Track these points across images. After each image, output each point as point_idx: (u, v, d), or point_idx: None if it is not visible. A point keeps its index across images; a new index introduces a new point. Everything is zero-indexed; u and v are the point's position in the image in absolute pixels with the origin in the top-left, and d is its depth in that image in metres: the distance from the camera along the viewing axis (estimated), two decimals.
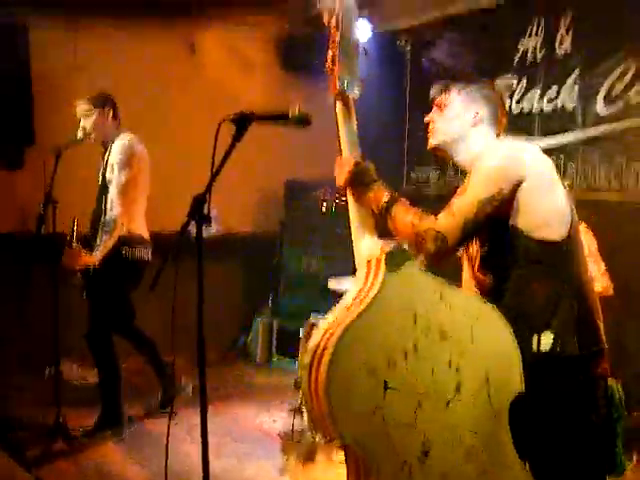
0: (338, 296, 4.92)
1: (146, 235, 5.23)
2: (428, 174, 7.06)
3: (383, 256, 2.44)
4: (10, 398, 5.56)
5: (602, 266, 4.94)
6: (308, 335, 5.02)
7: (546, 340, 2.56)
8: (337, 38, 2.77)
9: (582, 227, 4.91)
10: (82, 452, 4.86)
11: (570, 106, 5.82)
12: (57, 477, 4.35)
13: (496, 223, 2.61)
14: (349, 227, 2.76)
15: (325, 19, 2.85)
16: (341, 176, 2.77)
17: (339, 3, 2.80)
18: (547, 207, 2.61)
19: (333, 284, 5.14)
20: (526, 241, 2.59)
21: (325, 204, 6.75)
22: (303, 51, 7.14)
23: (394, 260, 2.42)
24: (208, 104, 6.93)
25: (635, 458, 4.71)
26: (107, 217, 4.98)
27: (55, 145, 4.87)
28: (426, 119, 2.91)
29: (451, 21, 6.80)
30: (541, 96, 6.04)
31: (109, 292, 5.06)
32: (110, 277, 4.96)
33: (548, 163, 2.70)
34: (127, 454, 4.91)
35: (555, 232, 2.61)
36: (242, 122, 2.57)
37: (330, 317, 2.44)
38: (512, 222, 2.60)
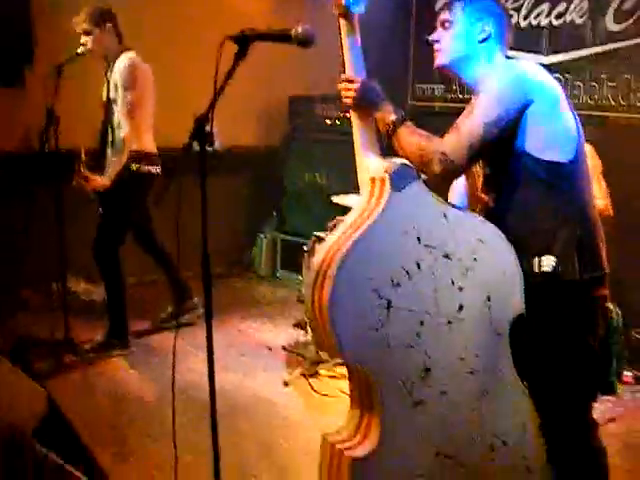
0: (342, 211, 5.01)
1: (154, 150, 5.24)
2: (433, 88, 6.97)
3: (387, 176, 2.43)
4: (18, 314, 5.61)
5: (603, 186, 4.96)
6: (312, 250, 5.05)
7: (547, 262, 2.57)
8: None
9: (588, 147, 4.93)
10: (90, 365, 4.96)
11: (579, 22, 5.73)
12: (66, 390, 4.42)
13: (502, 144, 2.59)
14: (352, 142, 2.74)
15: None
16: (347, 94, 2.72)
17: None
18: (554, 129, 2.59)
19: (337, 199, 5.12)
20: (531, 162, 2.57)
21: (329, 120, 6.71)
22: None
23: (399, 180, 2.42)
24: (209, 19, 6.84)
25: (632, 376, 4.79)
26: (115, 138, 5.02)
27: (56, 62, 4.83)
28: (431, 38, 2.84)
29: None
30: (550, 11, 5.93)
31: (119, 205, 5.10)
32: (120, 191, 4.99)
33: (556, 85, 2.66)
34: (135, 368, 5.00)
35: (561, 154, 2.59)
36: (244, 41, 2.52)
37: (334, 234, 2.46)
38: (518, 143, 2.58)
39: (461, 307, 2.47)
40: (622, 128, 5.50)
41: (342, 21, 2.73)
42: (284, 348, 5.28)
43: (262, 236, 7.35)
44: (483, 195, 2.78)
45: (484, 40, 2.76)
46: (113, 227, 5.17)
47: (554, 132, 2.59)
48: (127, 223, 5.27)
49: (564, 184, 2.61)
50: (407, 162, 2.54)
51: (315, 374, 4.82)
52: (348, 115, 2.82)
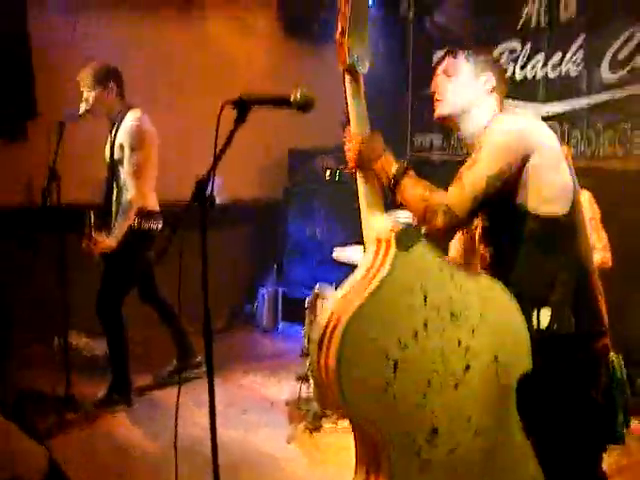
0: (342, 265, 5.02)
1: (156, 208, 5.28)
2: (432, 139, 7.03)
3: (393, 235, 2.44)
4: (20, 369, 5.56)
5: (603, 237, 4.96)
6: (313, 304, 5.05)
7: (544, 316, 2.57)
8: (347, 10, 2.68)
9: (587, 196, 4.96)
10: (93, 422, 4.93)
11: (575, 72, 5.79)
12: (68, 448, 4.39)
13: (500, 198, 2.61)
14: (352, 195, 2.76)
15: None
16: (350, 154, 2.74)
17: None
18: (552, 183, 2.61)
19: (338, 253, 5.14)
20: (529, 216, 2.59)
21: (329, 172, 6.75)
22: (305, 16, 7.12)
23: (405, 240, 2.43)
24: (209, 73, 6.95)
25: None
26: (122, 199, 5.04)
27: (58, 119, 4.86)
28: (433, 87, 2.86)
29: None
30: (545, 62, 6.01)
31: (122, 262, 5.11)
32: (123, 248, 5.01)
33: (554, 138, 2.68)
34: (137, 424, 4.97)
35: (558, 207, 2.60)
36: (243, 106, 2.54)
37: (339, 293, 2.46)
38: (517, 197, 2.60)
39: (468, 367, 2.46)
40: (620, 177, 5.52)
41: (347, 79, 2.75)
42: (287, 403, 5.25)
43: (263, 289, 7.34)
44: (481, 249, 2.79)
45: (487, 91, 2.78)
46: (116, 284, 5.18)
47: (552, 186, 2.60)
48: (130, 280, 5.29)
49: (560, 237, 2.62)
50: (412, 222, 2.55)
51: (319, 428, 4.79)
52: (348, 170, 2.81)
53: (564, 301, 2.58)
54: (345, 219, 6.61)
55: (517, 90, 6.21)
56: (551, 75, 5.98)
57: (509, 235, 2.65)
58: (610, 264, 4.92)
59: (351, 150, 2.74)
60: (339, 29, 2.72)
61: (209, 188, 2.59)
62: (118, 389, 5.18)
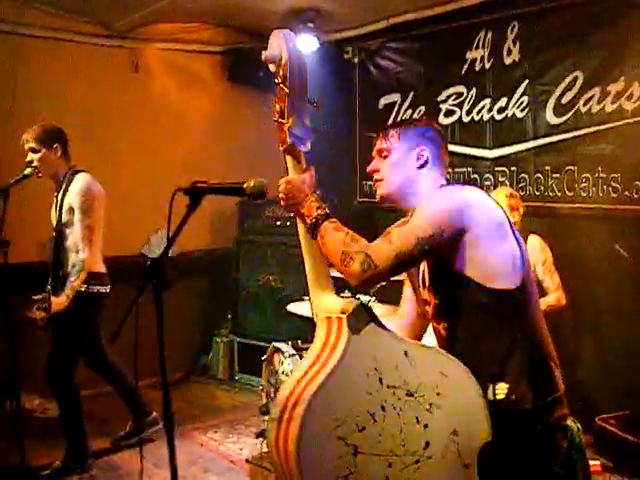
0: (296, 315, 5.01)
1: (103, 270, 5.22)
2: None
3: (344, 317, 2.42)
4: None
5: (556, 278, 5.02)
6: (270, 359, 5.02)
7: (500, 390, 2.54)
8: (285, 92, 2.64)
9: (538, 240, 5.02)
10: None
11: (521, 115, 5.86)
12: None
13: (446, 271, 2.58)
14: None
15: (271, 69, 2.74)
16: (280, 195, 2.70)
17: (286, 53, 2.66)
18: (497, 257, 2.56)
19: (293, 308, 5.14)
20: (477, 291, 2.53)
21: (279, 222, 6.76)
22: (250, 64, 7.12)
23: (356, 321, 2.40)
24: (154, 123, 6.96)
25: (599, 464, 4.78)
26: (73, 260, 4.99)
27: (2, 183, 4.78)
28: (369, 169, 2.84)
29: (398, 30, 6.79)
30: (492, 106, 6.07)
31: (71, 328, 5.02)
32: (72, 313, 4.93)
33: (496, 212, 2.62)
34: None
35: (507, 281, 2.56)
36: (196, 194, 2.52)
37: (296, 373, 2.43)
38: (459, 271, 2.55)
39: (427, 444, 2.42)
40: (568, 218, 5.59)
41: (288, 158, 2.72)
42: (247, 461, 5.18)
43: (218, 339, 7.29)
44: (434, 323, 2.76)
45: (422, 166, 2.75)
46: (67, 351, 5.08)
47: (497, 260, 2.56)
48: (81, 345, 5.18)
49: (512, 310, 2.57)
50: (363, 302, 2.52)
51: None
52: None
53: (520, 374, 2.55)
54: (296, 268, 6.60)
55: (465, 134, 6.27)
56: (497, 118, 6.04)
57: (461, 310, 2.61)
58: (564, 302, 4.99)
59: (280, 191, 2.70)
60: (277, 110, 2.68)
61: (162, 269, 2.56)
62: (74, 457, 5.05)
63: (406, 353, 2.44)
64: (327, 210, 2.64)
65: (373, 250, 2.48)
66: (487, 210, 2.60)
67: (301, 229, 2.71)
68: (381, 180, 2.80)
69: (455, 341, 2.64)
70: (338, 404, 2.31)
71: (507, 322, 2.57)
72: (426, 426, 2.43)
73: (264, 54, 2.71)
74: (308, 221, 2.63)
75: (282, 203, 2.71)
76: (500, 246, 2.58)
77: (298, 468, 2.25)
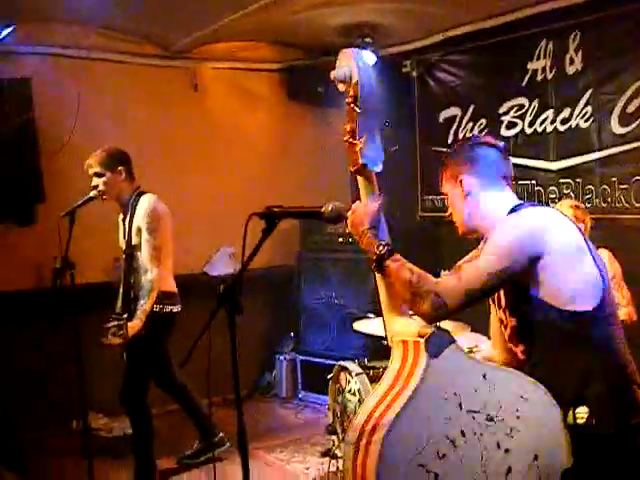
0: (361, 333, 4.97)
1: (174, 289, 5.27)
2: (443, 199, 7.00)
3: (422, 341, 2.38)
4: (39, 452, 5.56)
5: (626, 293, 4.90)
6: (337, 378, 4.98)
7: (581, 414, 2.47)
8: (356, 112, 2.62)
9: (606, 254, 4.90)
10: None
11: (585, 126, 5.75)
12: None
13: (522, 294, 2.54)
14: (365, 260, 2.71)
15: (340, 89, 2.72)
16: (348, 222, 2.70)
17: (356, 72, 2.64)
18: (574, 280, 2.51)
19: (359, 326, 5.11)
20: (554, 313, 2.49)
21: (340, 237, 6.73)
22: (308, 81, 7.14)
23: (435, 345, 2.36)
24: (215, 141, 7.02)
25: None
26: (142, 282, 5.00)
27: (65, 203, 4.85)
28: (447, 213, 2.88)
29: (456, 43, 6.75)
30: (554, 117, 5.97)
31: (145, 348, 5.04)
32: (144, 334, 4.93)
33: (572, 233, 2.58)
34: None
35: (585, 303, 2.50)
36: (271, 218, 2.51)
37: (373, 398, 2.42)
38: (535, 294, 2.50)
39: (509, 470, 2.37)
40: (637, 230, 5.46)
41: (360, 179, 2.71)
42: None
43: (281, 357, 7.28)
44: (512, 346, 2.71)
45: (469, 194, 2.72)
46: (141, 372, 5.11)
47: (573, 283, 2.51)
48: (155, 366, 5.21)
49: (591, 332, 2.51)
50: (441, 326, 2.48)
51: None
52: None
53: (601, 397, 2.48)
54: (359, 285, 6.58)
55: (528, 146, 6.18)
56: (561, 129, 5.94)
57: (539, 332, 2.56)
58: (635, 318, 4.86)
59: (348, 219, 2.69)
60: (348, 130, 2.66)
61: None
62: (143, 476, 5.08)
63: (485, 376, 2.41)
64: (388, 246, 2.61)
65: (443, 288, 2.47)
66: (562, 232, 2.56)
67: None
68: (454, 221, 2.82)
69: (534, 364, 2.59)
70: (417, 430, 2.29)
71: (586, 344, 2.52)
72: (507, 451, 2.39)
73: (333, 74, 2.69)
74: (371, 256, 2.62)
75: (349, 228, 2.71)
76: (577, 268, 2.54)
77: None
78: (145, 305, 4.93)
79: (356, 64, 2.65)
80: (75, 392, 4.78)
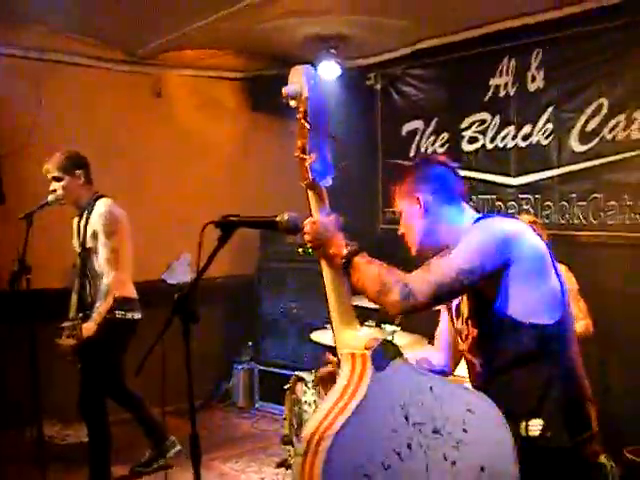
0: (318, 343, 4.97)
1: (134, 295, 5.24)
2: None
3: (369, 354, 2.38)
4: None
5: (583, 306, 4.95)
6: (293, 388, 4.98)
7: (534, 426, 2.49)
8: (306, 128, 2.63)
9: (563, 269, 4.94)
10: None
11: (545, 143, 5.82)
12: None
13: (485, 305, 2.55)
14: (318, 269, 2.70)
15: (292, 104, 2.72)
16: (306, 236, 2.68)
17: (306, 89, 2.65)
18: (539, 293, 2.54)
19: (316, 336, 5.10)
20: (515, 326, 2.50)
21: (301, 249, 6.72)
22: (272, 91, 7.11)
23: (381, 358, 2.36)
24: (177, 149, 6.99)
25: None
26: (99, 286, 4.97)
27: (24, 206, 4.82)
28: (399, 233, 2.87)
29: (420, 57, 6.79)
30: (516, 133, 6.03)
31: (102, 356, 5.01)
32: (103, 341, 4.90)
33: (540, 246, 2.60)
34: None
35: (548, 316, 2.53)
36: (227, 227, 2.50)
37: (321, 408, 2.40)
38: (501, 306, 2.52)
39: None
40: (593, 246, 5.53)
41: (310, 193, 2.70)
42: None
43: (239, 366, 7.25)
44: (470, 357, 2.72)
45: (427, 211, 2.73)
46: (98, 378, 5.06)
47: (538, 295, 2.53)
48: (114, 371, 5.16)
49: (550, 346, 2.53)
50: (387, 338, 2.48)
51: None
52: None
53: (556, 411, 2.50)
54: (318, 295, 6.54)
55: (488, 161, 6.23)
56: (522, 145, 6.00)
57: (500, 344, 2.57)
58: (592, 329, 4.92)
59: (306, 232, 2.67)
60: (299, 146, 2.66)
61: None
62: None
63: (431, 389, 2.41)
64: (355, 245, 2.61)
65: (412, 280, 2.47)
66: (531, 243, 2.58)
67: (325, 267, 2.68)
68: (406, 242, 2.82)
69: (491, 376, 2.61)
70: (363, 441, 2.27)
71: (546, 358, 2.54)
72: (454, 463, 2.39)
73: (284, 90, 2.70)
74: (339, 259, 2.61)
75: (308, 244, 2.69)
76: (543, 281, 2.56)
77: None
78: (100, 307, 4.90)
79: (306, 81, 2.65)
80: (29, 398, 4.74)
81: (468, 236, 2.57)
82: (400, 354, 2.41)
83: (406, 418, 2.33)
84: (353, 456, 2.25)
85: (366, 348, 2.41)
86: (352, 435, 2.26)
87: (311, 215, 2.69)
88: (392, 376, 2.37)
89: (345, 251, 2.59)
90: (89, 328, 4.85)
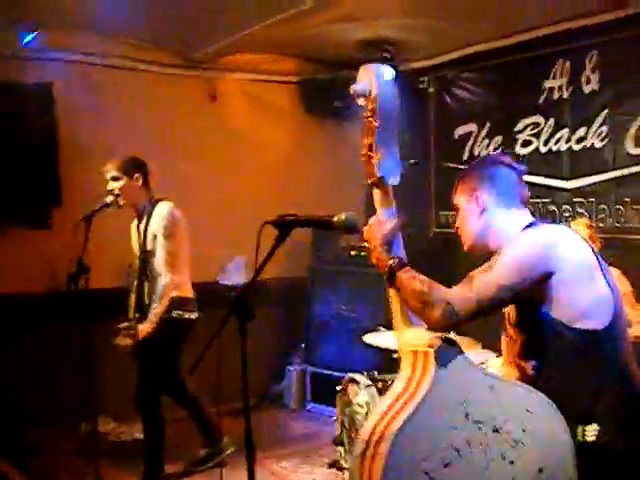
0: (370, 346, 4.98)
1: (191, 296, 5.31)
2: (455, 215, 7.01)
3: (432, 352, 2.40)
4: (46, 452, 5.60)
5: (638, 310, 4.89)
6: (345, 389, 4.99)
7: (591, 432, 2.47)
8: (374, 126, 2.62)
9: (616, 273, 4.90)
10: None
11: (600, 145, 5.77)
12: None
13: (532, 310, 2.55)
14: (377, 275, 2.70)
15: (359, 103, 2.71)
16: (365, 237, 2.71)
17: (376, 87, 2.65)
18: (586, 298, 2.52)
19: (369, 338, 5.11)
20: (565, 330, 2.49)
21: (353, 251, 6.74)
22: (327, 94, 7.17)
23: (444, 355, 2.38)
24: (231, 152, 7.05)
25: None
26: (157, 287, 5.06)
27: (81, 207, 4.93)
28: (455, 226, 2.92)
29: (474, 60, 6.79)
30: (570, 136, 5.99)
31: (159, 354, 5.11)
32: (160, 340, 5.01)
33: (585, 251, 2.59)
34: None
35: (596, 321, 2.51)
36: (284, 226, 2.53)
37: (380, 409, 2.42)
38: (549, 312, 2.51)
39: None
40: None
41: (376, 191, 2.70)
42: None
43: (291, 368, 7.30)
44: (521, 362, 2.70)
45: (484, 210, 2.75)
46: (155, 376, 5.16)
47: (585, 300, 2.51)
48: (171, 369, 5.25)
49: (601, 350, 2.52)
50: (450, 336, 2.50)
51: None
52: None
53: (610, 416, 2.49)
54: (371, 297, 6.58)
55: (542, 165, 6.19)
56: (576, 148, 5.96)
57: (549, 349, 2.56)
58: None
59: (366, 231, 2.70)
60: (365, 144, 2.66)
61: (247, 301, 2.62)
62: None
63: (492, 388, 2.42)
64: (399, 258, 2.62)
65: (454, 297, 2.48)
66: (575, 250, 2.57)
67: None
68: (460, 235, 2.85)
69: (543, 381, 2.58)
70: (424, 439, 2.30)
71: (596, 362, 2.52)
72: (512, 463, 2.40)
73: (353, 88, 2.70)
74: (382, 270, 2.63)
75: (365, 243, 2.72)
76: (589, 286, 2.54)
77: None
78: (157, 308, 5.00)
79: (376, 78, 2.65)
80: (85, 395, 4.82)
81: (509, 247, 2.58)
82: (462, 352, 2.43)
83: (466, 416, 2.35)
84: (413, 453, 2.27)
85: (429, 346, 2.43)
86: (413, 433, 2.28)
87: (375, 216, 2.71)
88: (453, 374, 2.40)
89: (388, 263, 2.61)
90: (145, 329, 4.95)
